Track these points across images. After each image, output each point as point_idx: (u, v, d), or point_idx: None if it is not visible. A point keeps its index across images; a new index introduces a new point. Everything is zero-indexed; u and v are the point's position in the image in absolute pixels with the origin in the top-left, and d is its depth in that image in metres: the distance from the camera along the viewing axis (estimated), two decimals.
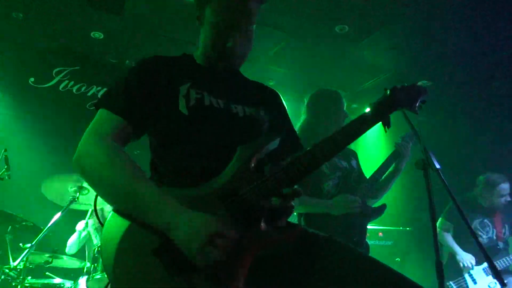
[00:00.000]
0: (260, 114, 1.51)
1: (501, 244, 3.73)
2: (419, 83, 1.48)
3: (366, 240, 2.56)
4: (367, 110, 1.32)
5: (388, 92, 1.35)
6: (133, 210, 1.16)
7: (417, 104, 1.41)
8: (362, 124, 1.28)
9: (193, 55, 1.58)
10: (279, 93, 1.70)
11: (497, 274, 1.31)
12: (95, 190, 1.23)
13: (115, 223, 1.17)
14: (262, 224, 1.15)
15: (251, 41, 1.50)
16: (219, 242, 1.06)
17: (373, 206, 2.58)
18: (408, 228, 4.57)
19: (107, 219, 1.20)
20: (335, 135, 1.26)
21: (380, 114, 1.31)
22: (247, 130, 1.43)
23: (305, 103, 2.83)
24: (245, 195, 1.18)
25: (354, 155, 2.85)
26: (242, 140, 1.33)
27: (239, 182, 1.21)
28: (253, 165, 1.24)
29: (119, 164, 1.20)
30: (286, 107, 1.68)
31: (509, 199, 3.83)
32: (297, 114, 5.78)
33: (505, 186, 3.82)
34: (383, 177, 2.69)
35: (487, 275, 3.48)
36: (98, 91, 5.02)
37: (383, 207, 2.56)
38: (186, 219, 1.10)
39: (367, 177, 2.69)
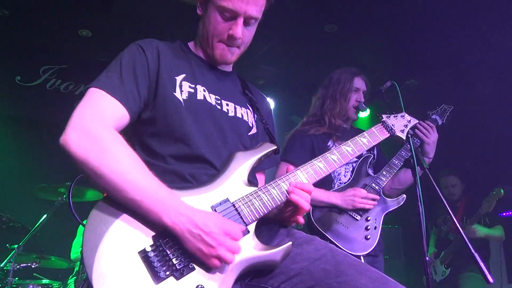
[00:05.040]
0: (249, 118, 1.49)
1: (452, 236, 3.92)
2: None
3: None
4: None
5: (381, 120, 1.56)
6: (130, 199, 1.10)
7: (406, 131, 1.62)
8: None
9: (188, 44, 1.53)
10: (267, 100, 1.71)
11: (483, 272, 1.34)
12: (92, 177, 1.13)
13: (98, 224, 1.09)
14: (251, 239, 1.16)
15: (253, 34, 1.45)
16: (217, 237, 1.06)
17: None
18: (396, 226, 4.62)
19: (88, 218, 1.10)
20: (344, 147, 1.39)
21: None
22: (235, 130, 1.41)
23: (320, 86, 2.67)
24: (236, 205, 1.19)
25: None
26: (230, 140, 1.33)
27: (231, 190, 1.20)
28: (246, 176, 1.24)
29: (123, 155, 1.14)
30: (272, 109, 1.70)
31: (453, 191, 4.06)
32: (286, 113, 5.84)
33: (447, 178, 4.12)
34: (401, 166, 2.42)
35: (441, 264, 3.87)
36: (86, 89, 4.96)
37: (401, 199, 2.38)
38: (187, 206, 1.10)
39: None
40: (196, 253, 1.08)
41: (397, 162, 2.38)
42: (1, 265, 3.06)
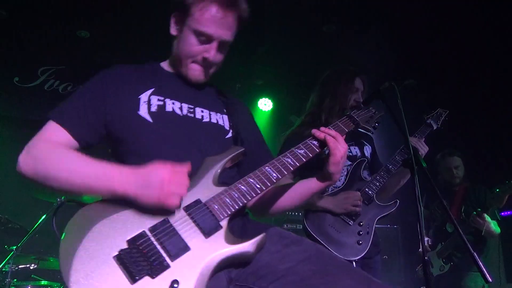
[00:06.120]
0: (225, 123, 1.54)
1: (450, 228, 3.66)
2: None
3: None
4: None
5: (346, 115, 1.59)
6: (84, 187, 1.22)
7: (372, 124, 1.68)
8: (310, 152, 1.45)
9: (160, 64, 1.62)
10: (247, 106, 1.77)
11: (482, 271, 1.33)
12: (48, 185, 1.26)
13: (72, 234, 1.14)
14: (224, 234, 1.22)
15: (225, 56, 1.53)
16: (174, 178, 1.16)
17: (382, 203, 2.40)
18: (395, 226, 4.63)
19: (65, 229, 1.17)
20: (296, 150, 1.41)
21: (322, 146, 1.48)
22: (210, 136, 1.46)
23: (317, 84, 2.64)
24: (207, 204, 1.25)
25: (369, 140, 2.63)
26: (206, 147, 1.40)
27: (202, 192, 1.27)
28: (216, 177, 1.32)
29: (63, 155, 1.27)
30: (259, 115, 1.73)
31: (457, 173, 3.76)
32: (285, 113, 5.84)
33: (451, 159, 3.80)
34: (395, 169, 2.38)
35: (438, 258, 3.62)
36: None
37: (393, 205, 2.37)
38: (130, 170, 1.20)
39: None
40: (155, 203, 1.16)
41: (391, 167, 2.36)
42: None
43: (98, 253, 1.10)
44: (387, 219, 2.48)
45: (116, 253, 1.10)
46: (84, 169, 1.22)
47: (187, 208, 1.23)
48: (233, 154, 1.38)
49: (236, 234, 1.28)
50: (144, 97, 1.42)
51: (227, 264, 1.21)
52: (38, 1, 3.99)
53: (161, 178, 1.15)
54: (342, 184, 2.37)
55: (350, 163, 2.40)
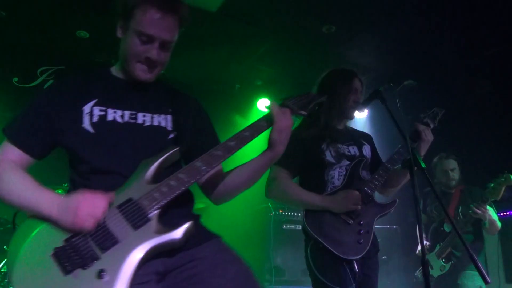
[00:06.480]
0: (168, 123, 1.62)
1: (447, 227, 3.70)
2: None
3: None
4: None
5: (280, 103, 1.61)
6: (30, 209, 1.39)
7: (309, 108, 1.67)
8: (255, 132, 1.54)
9: (110, 69, 1.70)
10: (199, 103, 1.81)
11: (481, 272, 1.33)
12: (6, 203, 1.45)
13: (17, 239, 1.34)
14: (153, 226, 1.35)
15: (169, 55, 1.62)
16: (89, 212, 1.30)
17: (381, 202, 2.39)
18: (394, 226, 4.63)
19: (16, 231, 1.38)
20: (228, 142, 1.49)
21: (270, 122, 1.56)
22: (151, 139, 1.56)
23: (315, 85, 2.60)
24: (138, 201, 1.38)
25: (368, 139, 2.62)
26: (147, 150, 1.50)
27: (135, 191, 1.40)
28: (150, 177, 1.44)
29: (13, 178, 1.44)
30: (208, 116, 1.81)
31: (453, 175, 3.83)
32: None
33: (447, 161, 3.87)
34: (395, 166, 2.39)
35: (437, 258, 3.64)
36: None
37: (393, 203, 2.37)
38: (63, 199, 1.36)
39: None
40: (70, 227, 1.31)
41: (389, 165, 2.37)
42: None
43: (37, 255, 1.29)
44: (386, 220, 2.48)
45: (52, 251, 1.28)
46: (21, 193, 1.41)
47: (119, 207, 1.37)
48: (166, 154, 1.49)
49: (170, 227, 1.40)
50: (86, 108, 1.54)
51: (156, 253, 1.35)
52: (37, 1, 3.98)
53: (76, 205, 1.31)
54: (341, 184, 2.35)
55: (348, 162, 2.38)
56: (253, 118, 6.04)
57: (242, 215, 4.79)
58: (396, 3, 3.89)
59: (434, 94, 5.20)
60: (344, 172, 2.37)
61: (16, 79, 4.73)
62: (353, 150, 2.46)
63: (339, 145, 2.41)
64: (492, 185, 3.42)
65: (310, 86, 2.73)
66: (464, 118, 4.89)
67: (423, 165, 1.60)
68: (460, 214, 3.66)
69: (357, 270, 2.17)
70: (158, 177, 1.45)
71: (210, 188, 1.68)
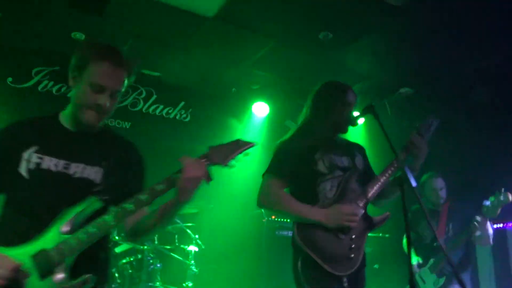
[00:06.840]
0: (98, 177, 1.72)
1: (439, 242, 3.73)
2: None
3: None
4: None
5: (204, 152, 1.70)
6: None
7: (233, 157, 1.72)
8: (170, 185, 1.63)
9: (59, 116, 1.80)
10: (139, 153, 1.91)
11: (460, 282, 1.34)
12: None
13: None
14: (59, 276, 1.46)
15: (116, 103, 1.75)
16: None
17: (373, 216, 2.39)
18: (387, 235, 4.63)
19: None
20: (139, 196, 1.61)
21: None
22: (78, 190, 1.65)
23: (309, 97, 2.59)
24: (50, 251, 1.48)
25: (360, 150, 2.61)
26: (72, 201, 1.58)
27: (49, 241, 1.49)
28: (65, 227, 1.53)
29: None
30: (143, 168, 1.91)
31: (441, 194, 3.90)
32: (281, 119, 5.84)
33: (436, 180, 3.95)
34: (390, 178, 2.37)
35: (431, 273, 3.67)
36: None
37: (385, 217, 2.37)
38: None
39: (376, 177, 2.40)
40: None
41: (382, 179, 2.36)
42: None
43: None
44: (378, 228, 2.46)
45: None
46: None
47: (33, 257, 1.47)
48: (85, 206, 1.58)
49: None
50: (25, 155, 1.64)
51: None
52: (32, 2, 3.95)
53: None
54: (333, 196, 2.30)
55: (341, 173, 2.35)
56: (248, 122, 6.04)
57: (235, 220, 4.77)
58: (392, 12, 3.88)
59: (430, 102, 5.21)
60: (336, 183, 2.33)
61: (10, 79, 4.70)
62: (346, 160, 2.43)
63: (332, 156, 2.39)
64: (489, 204, 3.46)
65: (307, 91, 2.70)
66: (460, 124, 4.90)
67: (414, 184, 1.59)
68: (451, 230, 3.72)
69: (346, 285, 2.17)
70: (74, 227, 1.55)
71: (125, 229, 1.86)
